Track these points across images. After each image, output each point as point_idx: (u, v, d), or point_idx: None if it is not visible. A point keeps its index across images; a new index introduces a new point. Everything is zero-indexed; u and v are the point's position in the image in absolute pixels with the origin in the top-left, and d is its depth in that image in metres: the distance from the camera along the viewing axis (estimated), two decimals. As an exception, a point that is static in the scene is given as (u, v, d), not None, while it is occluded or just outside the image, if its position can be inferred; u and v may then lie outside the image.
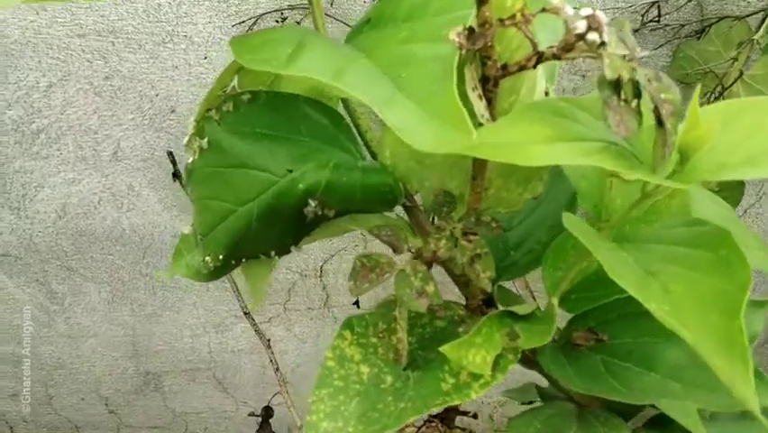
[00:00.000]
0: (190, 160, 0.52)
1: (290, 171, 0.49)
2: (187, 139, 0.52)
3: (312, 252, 1.11)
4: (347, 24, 0.85)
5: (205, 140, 0.50)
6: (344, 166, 0.49)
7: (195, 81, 0.91)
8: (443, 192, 0.48)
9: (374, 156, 0.52)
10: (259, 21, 0.86)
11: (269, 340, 1.03)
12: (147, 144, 0.97)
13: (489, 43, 0.38)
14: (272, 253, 0.54)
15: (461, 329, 0.48)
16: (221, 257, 0.53)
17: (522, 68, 0.38)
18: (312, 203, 0.49)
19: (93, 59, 0.89)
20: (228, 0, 0.85)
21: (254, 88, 0.52)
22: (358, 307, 1.02)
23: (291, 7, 0.84)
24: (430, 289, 0.43)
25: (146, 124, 0.95)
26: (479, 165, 0.44)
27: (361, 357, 0.48)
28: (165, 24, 0.87)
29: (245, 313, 1.02)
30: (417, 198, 0.52)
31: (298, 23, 0.85)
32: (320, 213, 0.50)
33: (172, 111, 0.94)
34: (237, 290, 1.02)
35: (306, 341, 1.23)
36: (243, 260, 0.55)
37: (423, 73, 0.40)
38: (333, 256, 1.12)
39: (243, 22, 0.86)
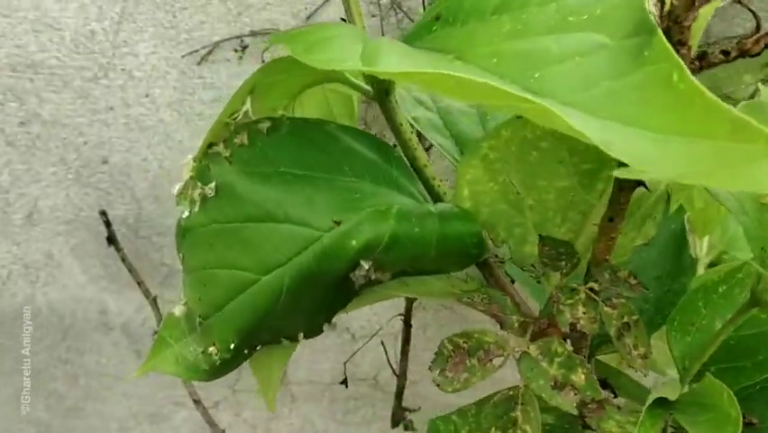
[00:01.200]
0: (185, 214, 0.38)
1: (337, 224, 0.35)
2: (179, 186, 0.38)
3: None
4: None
5: (212, 185, 0.36)
6: (413, 213, 0.36)
7: (133, 125, 0.76)
8: (552, 241, 0.35)
9: (436, 198, 0.40)
10: (214, 50, 0.72)
11: (223, 431, 0.86)
12: (71, 203, 0.80)
13: (688, 22, 0.26)
14: (300, 335, 0.40)
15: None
16: (232, 346, 0.38)
17: (741, 55, 0.26)
18: (365, 265, 0.36)
19: (5, 101, 0.72)
20: (177, 26, 0.71)
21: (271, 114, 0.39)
22: (346, 386, 0.87)
23: (253, 34, 0.71)
24: (579, 378, 0.30)
25: (70, 178, 0.78)
26: (622, 200, 0.32)
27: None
28: (98, 56, 0.71)
29: (195, 401, 0.85)
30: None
31: (265, 50, 0.72)
32: (372, 277, 0.37)
33: (104, 162, 0.78)
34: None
35: (258, 427, 1.06)
36: (258, 348, 0.40)
37: (580, 72, 0.27)
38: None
39: (196, 51, 0.71)
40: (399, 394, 0.90)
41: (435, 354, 0.34)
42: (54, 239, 0.81)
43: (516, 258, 0.37)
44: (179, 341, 0.41)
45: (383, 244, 0.35)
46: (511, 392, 0.32)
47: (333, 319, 0.40)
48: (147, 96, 0.73)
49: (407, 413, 0.87)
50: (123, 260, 0.77)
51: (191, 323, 0.40)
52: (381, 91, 0.38)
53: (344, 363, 0.90)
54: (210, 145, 0.37)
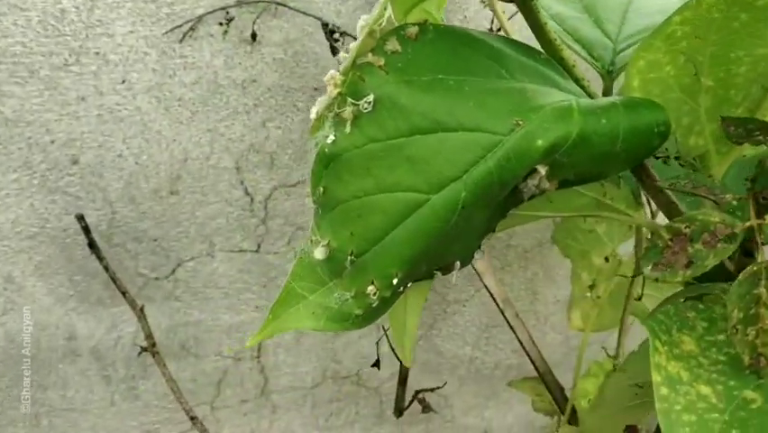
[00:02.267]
0: (329, 139, 0.33)
1: (518, 124, 0.32)
2: (318, 108, 0.34)
3: (248, 326, 0.90)
4: (308, 14, 0.68)
5: (369, 98, 0.32)
6: (597, 106, 0.33)
7: (107, 116, 0.68)
8: (736, 120, 0.34)
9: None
10: (197, 25, 0.66)
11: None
12: (35, 214, 0.71)
13: None
14: (457, 264, 0.37)
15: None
16: (395, 280, 0.34)
17: None
18: (542, 171, 0.33)
19: (-41, 98, 0.63)
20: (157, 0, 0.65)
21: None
22: (378, 368, 0.82)
23: (239, 3, 0.66)
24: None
25: (35, 184, 0.70)
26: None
27: (690, 375, 0.31)
28: (70, 39, 0.64)
29: (192, 418, 0.78)
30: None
31: (254, 22, 0.67)
32: (544, 187, 0.34)
33: (74, 162, 0.70)
34: (177, 388, 0.78)
35: (239, 443, 0.99)
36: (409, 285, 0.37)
37: None
38: (273, 328, 0.91)
39: (179, 26, 0.66)
40: (403, 381, 0.86)
41: (646, 248, 0.32)
42: (15, 258, 0.72)
43: (683, 151, 0.36)
44: (316, 291, 0.36)
45: (569, 142, 0.33)
46: (755, 268, 0.30)
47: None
48: (123, 81, 0.66)
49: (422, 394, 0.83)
50: (107, 268, 0.69)
51: (336, 266, 0.35)
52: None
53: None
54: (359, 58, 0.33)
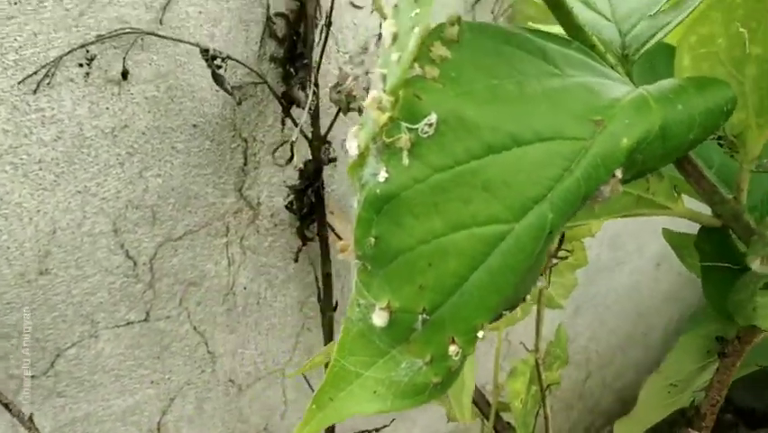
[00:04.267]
0: (381, 177, 0.27)
1: (599, 124, 0.28)
2: (361, 140, 0.27)
3: (144, 406, 0.78)
4: (183, 42, 0.60)
5: (430, 118, 0.26)
6: (667, 91, 0.30)
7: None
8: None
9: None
10: (54, 69, 0.55)
11: None
12: None
13: None
14: (528, 297, 0.32)
15: None
16: (481, 333, 0.28)
17: None
18: (618, 173, 0.29)
19: None
20: (2, 44, 0.53)
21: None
22: None
23: (100, 39, 0.56)
24: None
25: None
26: None
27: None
28: None
29: None
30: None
31: (124, 58, 0.57)
32: (617, 189, 0.30)
33: None
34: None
35: None
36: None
37: None
38: (173, 401, 0.80)
39: (32, 75, 0.54)
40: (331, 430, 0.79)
41: (753, 241, 0.28)
42: None
43: (726, 128, 0.33)
44: (374, 364, 0.29)
45: (651, 137, 0.29)
46: None
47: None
48: (-34, 151, 0.54)
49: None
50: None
51: (400, 330, 0.29)
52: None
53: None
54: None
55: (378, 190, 0.28)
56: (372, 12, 0.64)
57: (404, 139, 0.27)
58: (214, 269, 0.76)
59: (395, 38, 0.28)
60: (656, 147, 0.29)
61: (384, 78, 0.27)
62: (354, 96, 0.64)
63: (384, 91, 0.27)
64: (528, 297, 0.85)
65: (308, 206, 0.66)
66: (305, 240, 0.70)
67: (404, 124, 0.27)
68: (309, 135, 0.66)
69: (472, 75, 0.28)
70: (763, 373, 0.51)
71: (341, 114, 0.66)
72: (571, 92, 0.29)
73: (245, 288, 0.80)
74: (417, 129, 0.27)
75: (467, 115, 0.27)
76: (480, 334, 0.29)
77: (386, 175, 0.27)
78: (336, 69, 0.67)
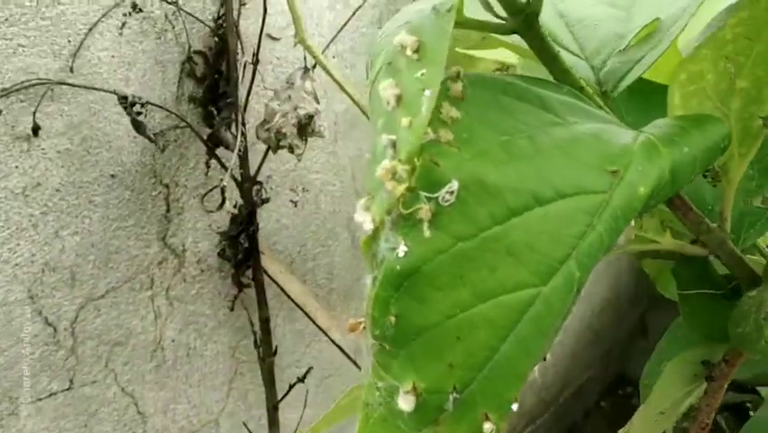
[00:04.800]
0: (401, 252, 0.25)
1: (615, 174, 0.27)
2: (375, 214, 0.25)
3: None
4: (97, 89, 0.55)
5: (451, 186, 0.25)
6: (670, 133, 0.29)
7: None
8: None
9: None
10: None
11: None
12: None
13: None
14: (547, 356, 0.31)
15: None
16: (516, 404, 0.27)
17: None
18: (632, 221, 0.28)
19: None
20: None
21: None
22: None
23: (5, 93, 0.51)
24: None
25: None
26: None
27: None
28: None
29: None
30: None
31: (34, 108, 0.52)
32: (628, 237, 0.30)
33: None
34: None
35: None
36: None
37: None
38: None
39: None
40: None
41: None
42: None
43: (714, 161, 0.33)
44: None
45: (664, 181, 0.28)
46: None
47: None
48: None
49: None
50: None
51: (428, 411, 0.27)
52: (529, 16, 0.30)
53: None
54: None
55: (398, 266, 0.25)
56: (295, 45, 0.61)
57: (424, 210, 0.25)
58: (141, 324, 0.71)
59: (399, 100, 0.26)
60: (666, 190, 0.29)
61: (393, 144, 0.25)
62: (284, 134, 0.62)
63: (399, 160, 0.24)
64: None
65: (243, 251, 0.63)
66: (241, 287, 0.66)
67: (423, 194, 0.25)
68: (238, 177, 0.62)
69: (483, 133, 0.26)
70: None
71: (270, 152, 0.63)
72: (580, 142, 0.28)
73: (173, 340, 0.75)
74: (438, 198, 0.25)
75: (488, 178, 0.25)
76: (515, 406, 0.27)
77: (405, 249, 0.25)
78: (261, 105, 0.64)
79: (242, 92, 0.64)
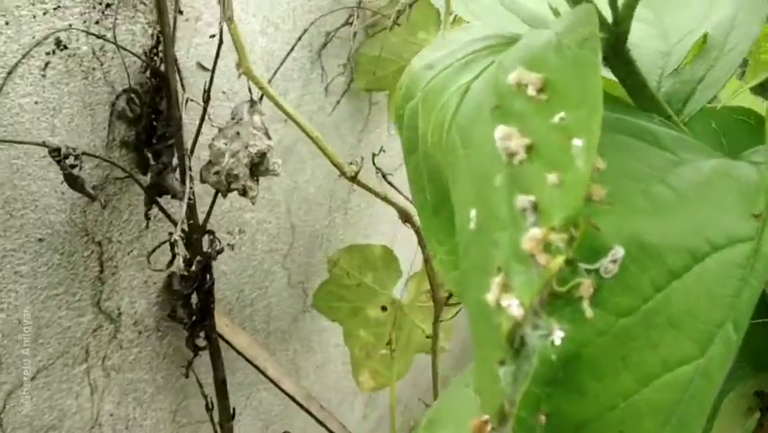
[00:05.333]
0: (556, 337, 0.21)
1: (758, 216, 0.24)
2: (523, 298, 0.21)
3: None
4: (19, 142, 0.47)
5: (614, 254, 0.21)
6: None
7: None
8: None
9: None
10: None
11: None
12: None
13: None
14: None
15: None
16: None
17: None
18: None
19: None
20: None
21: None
22: None
23: None
24: None
25: None
26: None
27: None
28: None
29: None
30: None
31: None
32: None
33: None
34: None
35: None
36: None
37: None
38: None
39: None
40: None
41: None
42: None
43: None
44: None
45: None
46: None
47: None
48: None
49: None
50: None
51: None
52: (619, 37, 0.27)
53: None
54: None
55: (553, 355, 0.21)
56: (240, 76, 0.55)
57: (585, 285, 0.20)
58: (76, 403, 0.62)
59: (531, 151, 0.21)
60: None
61: (535, 207, 0.20)
62: (236, 176, 0.55)
63: (552, 228, 0.20)
64: (412, 349, 0.79)
65: (198, 311, 0.56)
66: (196, 350, 0.59)
67: (582, 266, 0.20)
68: (186, 228, 0.55)
69: (623, 184, 0.22)
70: None
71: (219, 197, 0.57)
72: (714, 184, 0.24)
73: (112, 415, 0.66)
74: (599, 269, 0.20)
75: (646, 238, 0.21)
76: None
77: (562, 334, 0.20)
78: (206, 145, 0.57)
79: (187, 131, 0.57)
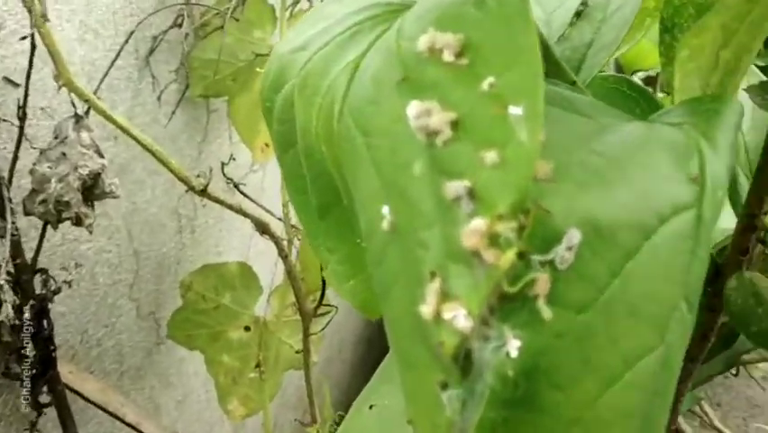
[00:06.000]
0: (511, 348, 0.18)
1: (695, 180, 0.22)
2: (480, 297, 0.17)
3: None
4: None
5: (571, 238, 0.18)
6: (703, 121, 0.25)
7: None
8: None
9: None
10: None
11: None
12: None
13: None
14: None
15: None
16: None
17: None
18: None
19: None
20: None
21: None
22: None
23: None
24: None
25: None
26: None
27: None
28: None
29: None
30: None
31: None
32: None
33: None
34: None
35: None
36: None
37: None
38: None
39: None
40: None
41: None
42: None
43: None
44: None
45: (730, 175, 0.23)
46: None
47: None
48: None
49: None
50: None
51: None
52: None
53: None
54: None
55: (509, 371, 0.17)
56: (60, 89, 0.48)
57: (541, 281, 0.17)
58: None
59: (458, 127, 0.17)
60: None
61: (471, 193, 0.17)
62: (67, 203, 0.48)
63: (498, 216, 0.16)
64: (281, 368, 0.74)
65: (38, 363, 0.48)
66: (40, 408, 0.51)
67: (536, 259, 0.17)
68: (12, 270, 0.47)
69: (563, 157, 0.19)
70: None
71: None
72: (646, 149, 0.21)
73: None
74: (554, 260, 0.17)
75: (599, 217, 0.18)
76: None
77: (518, 343, 0.17)
78: (27, 171, 0.49)
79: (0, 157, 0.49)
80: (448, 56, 0.18)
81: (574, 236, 0.17)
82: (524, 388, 0.17)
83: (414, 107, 0.18)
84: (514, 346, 0.17)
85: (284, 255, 0.69)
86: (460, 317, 0.17)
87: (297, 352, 0.79)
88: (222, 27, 0.68)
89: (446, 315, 0.17)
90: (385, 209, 0.19)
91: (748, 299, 0.30)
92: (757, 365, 0.88)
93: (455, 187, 0.17)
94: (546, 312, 0.17)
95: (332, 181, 0.25)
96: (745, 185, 0.33)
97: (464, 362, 0.17)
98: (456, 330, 0.17)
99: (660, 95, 0.38)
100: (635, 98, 0.36)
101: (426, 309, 0.17)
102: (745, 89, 0.28)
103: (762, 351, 0.51)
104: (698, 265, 0.21)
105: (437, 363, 0.18)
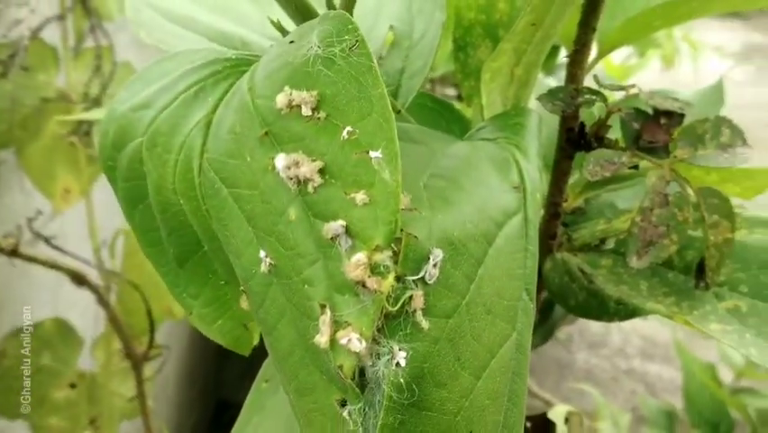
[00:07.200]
0: (399, 359, 0.21)
1: (517, 188, 0.26)
2: (369, 321, 0.20)
3: None
4: None
5: (435, 256, 0.21)
6: (514, 134, 0.29)
7: None
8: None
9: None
10: None
11: None
12: None
13: None
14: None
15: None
16: None
17: None
18: None
19: None
20: None
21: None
22: None
23: None
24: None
25: None
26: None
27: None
28: None
29: None
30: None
31: None
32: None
33: None
34: None
35: None
36: None
37: None
38: None
39: None
40: None
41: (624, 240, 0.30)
42: None
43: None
44: None
45: (542, 180, 0.27)
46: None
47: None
48: None
49: None
50: None
51: None
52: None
53: None
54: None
55: (401, 379, 0.20)
56: None
57: (417, 297, 0.19)
58: None
59: (325, 174, 0.19)
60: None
61: (347, 230, 0.19)
62: None
63: (376, 247, 0.19)
64: (116, 420, 0.72)
65: None
66: None
67: (410, 279, 0.19)
68: None
69: (410, 186, 0.22)
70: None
71: None
72: (474, 166, 0.25)
73: None
74: (424, 277, 0.20)
75: (452, 234, 0.21)
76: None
77: (404, 353, 0.19)
78: None
79: None
80: (306, 110, 0.20)
81: (438, 254, 0.20)
82: (414, 391, 0.20)
83: (282, 159, 0.20)
84: (402, 357, 0.19)
85: (104, 303, 0.67)
86: (354, 340, 0.19)
87: (129, 400, 0.77)
88: (5, 75, 0.65)
89: (341, 341, 0.19)
90: (262, 253, 0.21)
91: (563, 277, 0.35)
92: (561, 328, 0.97)
93: (332, 227, 0.19)
94: (424, 323, 0.20)
95: (190, 231, 0.26)
96: (545, 177, 0.37)
97: (360, 379, 0.20)
98: (352, 352, 0.19)
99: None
100: (441, 112, 0.40)
101: (322, 339, 0.19)
102: (537, 98, 0.32)
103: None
104: (531, 260, 0.24)
105: (334, 384, 0.20)
